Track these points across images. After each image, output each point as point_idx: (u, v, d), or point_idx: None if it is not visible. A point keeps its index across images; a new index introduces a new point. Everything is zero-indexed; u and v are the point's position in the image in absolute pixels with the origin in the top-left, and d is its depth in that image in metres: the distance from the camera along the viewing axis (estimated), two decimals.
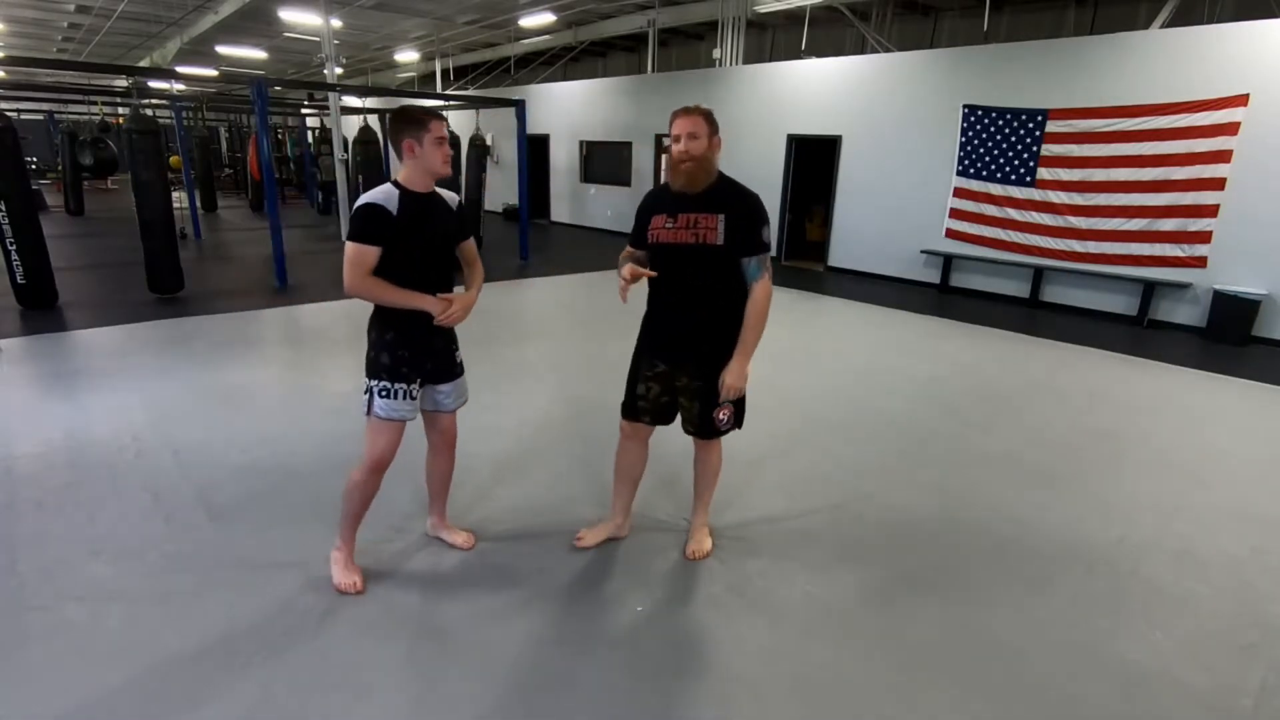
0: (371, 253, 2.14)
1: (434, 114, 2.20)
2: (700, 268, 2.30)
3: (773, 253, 2.32)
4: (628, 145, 12.39)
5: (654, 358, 2.47)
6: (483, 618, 2.31)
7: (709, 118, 2.28)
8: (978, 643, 2.28)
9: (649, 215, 2.40)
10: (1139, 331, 6.74)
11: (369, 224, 2.13)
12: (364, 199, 2.16)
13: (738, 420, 2.50)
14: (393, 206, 2.16)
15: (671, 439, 3.58)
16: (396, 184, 2.22)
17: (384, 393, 2.28)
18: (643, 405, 2.53)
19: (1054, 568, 2.71)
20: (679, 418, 2.55)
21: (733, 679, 2.08)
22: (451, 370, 2.46)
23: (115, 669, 2.04)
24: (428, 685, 2.02)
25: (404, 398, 2.31)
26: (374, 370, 2.31)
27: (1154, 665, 2.19)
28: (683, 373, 2.42)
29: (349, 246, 2.15)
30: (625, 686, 2.04)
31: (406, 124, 2.18)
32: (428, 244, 2.26)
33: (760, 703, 2.00)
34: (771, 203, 10.12)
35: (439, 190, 2.34)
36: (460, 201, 2.44)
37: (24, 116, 16.36)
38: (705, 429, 2.46)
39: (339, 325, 6.09)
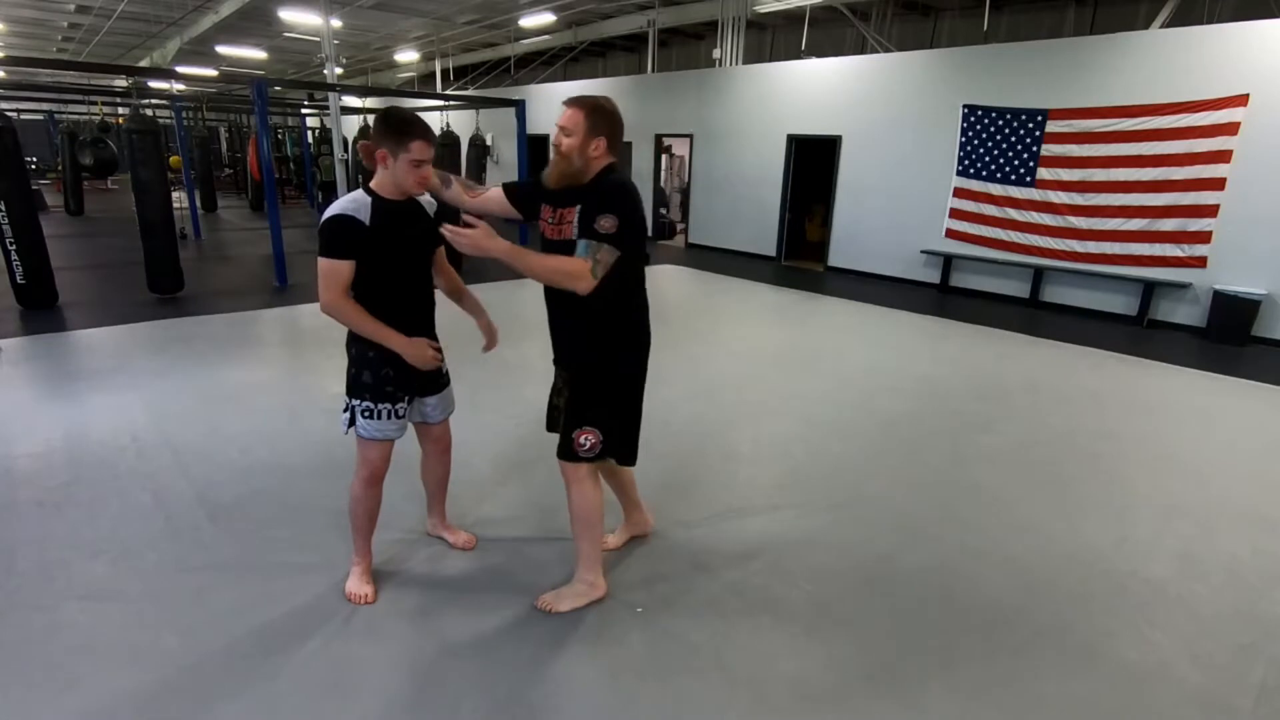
0: (345, 267, 2.03)
1: (420, 133, 2.02)
2: None
3: (617, 250, 2.04)
4: (628, 145, 12.38)
5: (555, 364, 2.34)
6: (483, 618, 2.31)
7: (590, 113, 2.01)
8: (977, 642, 2.28)
9: (539, 202, 2.25)
10: (1139, 331, 6.74)
11: (339, 237, 2.01)
12: (331, 210, 2.03)
13: (610, 450, 2.22)
14: (364, 216, 2.03)
15: (678, 439, 3.59)
16: (369, 190, 2.08)
17: (366, 413, 2.20)
18: (554, 416, 2.42)
19: (1054, 567, 2.71)
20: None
21: (733, 679, 2.08)
22: (438, 382, 2.39)
23: (115, 669, 2.03)
24: (428, 686, 2.02)
25: (389, 417, 2.22)
26: (356, 389, 2.20)
27: (1154, 665, 2.20)
28: (561, 379, 2.28)
29: (321, 263, 2.03)
30: (625, 687, 2.04)
31: (386, 133, 2.02)
32: (405, 253, 2.15)
33: (761, 703, 1.99)
34: (772, 203, 10.13)
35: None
36: (437, 206, 2.31)
37: (24, 116, 16.37)
38: (562, 446, 2.22)
39: (339, 325, 6.04)
